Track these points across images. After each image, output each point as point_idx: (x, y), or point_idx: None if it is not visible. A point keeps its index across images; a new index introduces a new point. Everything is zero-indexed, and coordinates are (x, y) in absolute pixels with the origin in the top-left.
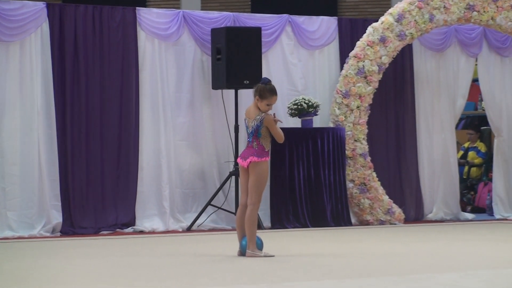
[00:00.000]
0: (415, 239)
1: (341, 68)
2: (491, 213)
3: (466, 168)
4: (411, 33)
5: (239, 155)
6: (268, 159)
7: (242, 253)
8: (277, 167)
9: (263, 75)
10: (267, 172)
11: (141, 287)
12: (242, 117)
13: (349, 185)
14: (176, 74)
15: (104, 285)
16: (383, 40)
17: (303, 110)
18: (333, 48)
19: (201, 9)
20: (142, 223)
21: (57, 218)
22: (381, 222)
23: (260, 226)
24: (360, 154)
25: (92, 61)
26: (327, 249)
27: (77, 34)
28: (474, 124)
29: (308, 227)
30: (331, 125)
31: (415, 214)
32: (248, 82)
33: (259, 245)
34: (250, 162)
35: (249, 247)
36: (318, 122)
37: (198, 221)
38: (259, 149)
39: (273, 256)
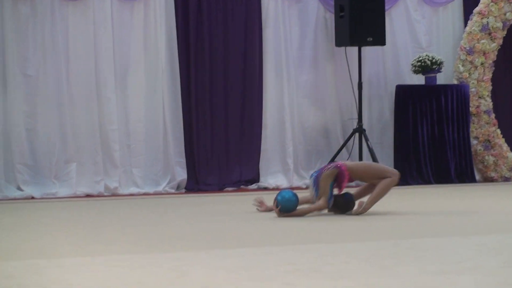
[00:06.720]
0: None
1: (465, 25)
2: None
3: None
4: None
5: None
6: None
7: None
8: (401, 125)
9: (387, 32)
10: None
11: (267, 244)
12: (366, 74)
13: (473, 142)
14: (299, 32)
15: (229, 241)
16: None
17: (427, 67)
18: (457, 5)
19: None
20: (266, 179)
21: (181, 175)
22: (506, 179)
23: None
24: (484, 111)
25: (215, 19)
26: (451, 206)
27: None
28: None
29: (431, 183)
30: (455, 82)
31: None
32: (371, 39)
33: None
34: None
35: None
36: (442, 79)
37: None
38: None
39: None
